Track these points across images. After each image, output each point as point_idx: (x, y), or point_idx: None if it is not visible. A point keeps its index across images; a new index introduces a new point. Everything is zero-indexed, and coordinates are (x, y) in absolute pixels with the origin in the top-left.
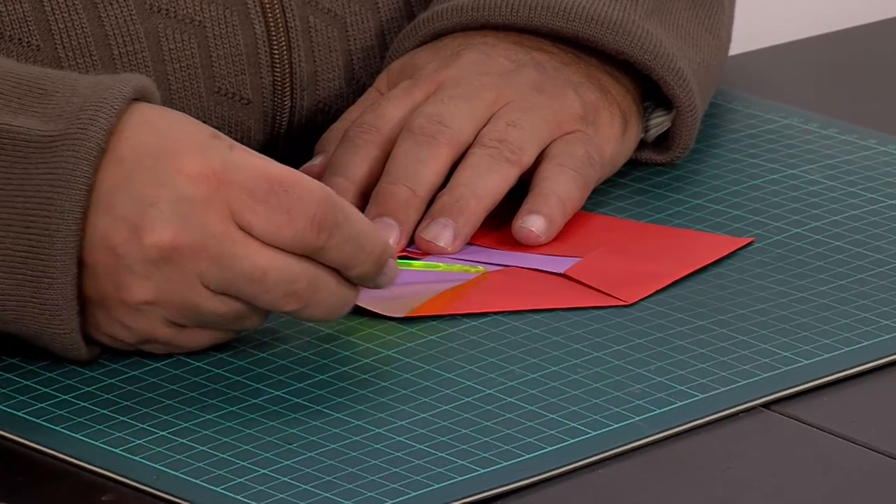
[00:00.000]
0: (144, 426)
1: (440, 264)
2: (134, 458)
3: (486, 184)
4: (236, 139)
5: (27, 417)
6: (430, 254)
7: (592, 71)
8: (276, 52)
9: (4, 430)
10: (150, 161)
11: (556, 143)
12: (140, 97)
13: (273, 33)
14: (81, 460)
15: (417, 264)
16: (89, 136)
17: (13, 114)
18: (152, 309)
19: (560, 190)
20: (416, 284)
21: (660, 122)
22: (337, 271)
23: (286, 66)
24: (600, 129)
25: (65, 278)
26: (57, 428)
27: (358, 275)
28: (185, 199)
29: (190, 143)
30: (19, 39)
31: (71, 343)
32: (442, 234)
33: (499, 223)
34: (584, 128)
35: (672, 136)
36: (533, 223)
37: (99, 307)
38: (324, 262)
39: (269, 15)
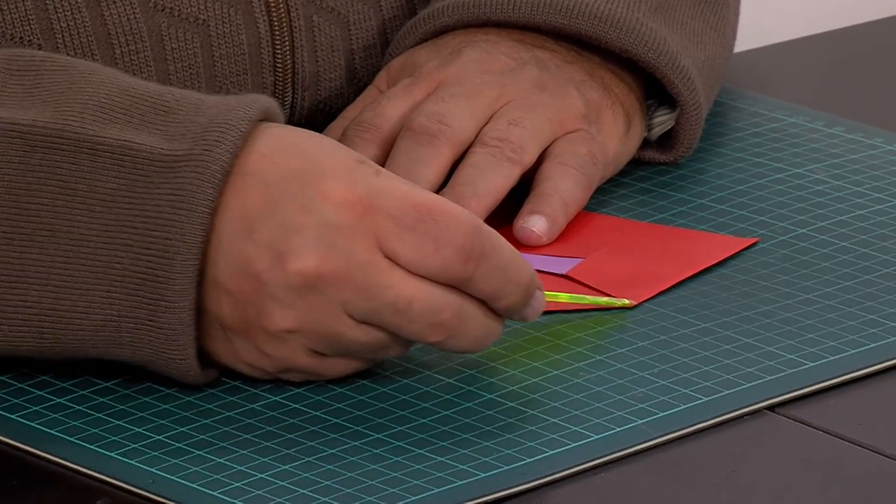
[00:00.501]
0: (140, 430)
1: (587, 297)
2: (129, 461)
3: (486, 183)
4: None
5: (22, 421)
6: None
7: (595, 69)
8: (278, 52)
9: None
10: (295, 186)
11: (559, 142)
12: (265, 118)
13: (277, 33)
14: (76, 464)
15: (564, 297)
16: (214, 157)
17: (135, 130)
18: (294, 337)
19: (562, 189)
20: None
21: (663, 120)
22: (483, 302)
23: (288, 66)
24: (603, 128)
25: (183, 302)
26: (52, 431)
27: (505, 306)
28: (330, 226)
29: (336, 168)
30: (20, 38)
31: (187, 369)
32: None
33: (500, 223)
34: (587, 126)
35: (676, 135)
36: (535, 223)
37: (239, 335)
38: (470, 292)
39: (274, 14)
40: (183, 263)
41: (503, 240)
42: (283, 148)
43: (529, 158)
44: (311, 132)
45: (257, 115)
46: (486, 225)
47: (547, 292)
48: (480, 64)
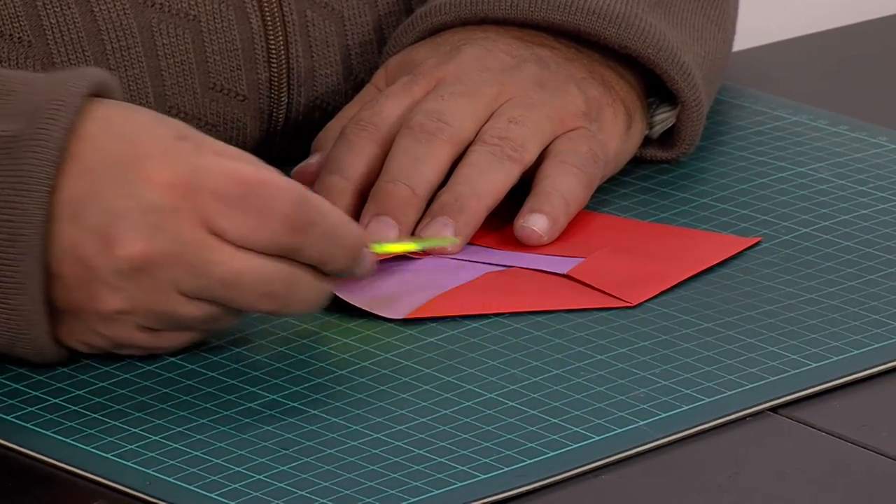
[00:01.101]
0: (137, 430)
1: (412, 243)
2: (126, 463)
3: (486, 182)
4: (232, 136)
5: (16, 421)
6: (429, 254)
7: (595, 66)
8: (272, 47)
9: None
10: (117, 171)
11: (560, 140)
12: (98, 92)
13: (270, 28)
14: (72, 465)
15: (392, 247)
16: (50, 136)
17: None
18: (126, 317)
19: (563, 188)
20: (415, 285)
21: (664, 118)
22: (313, 266)
23: (283, 61)
24: (604, 126)
25: (32, 282)
26: (47, 432)
27: (334, 269)
28: (154, 208)
29: (156, 149)
30: (10, 35)
31: (44, 346)
32: (442, 233)
33: (501, 222)
34: (588, 124)
35: (677, 133)
36: (535, 223)
37: (72, 316)
38: (299, 260)
39: (266, 9)
40: (27, 244)
41: (328, 205)
42: (105, 130)
43: (530, 157)
44: (137, 108)
45: (87, 88)
46: (310, 192)
47: (376, 245)
48: (480, 62)
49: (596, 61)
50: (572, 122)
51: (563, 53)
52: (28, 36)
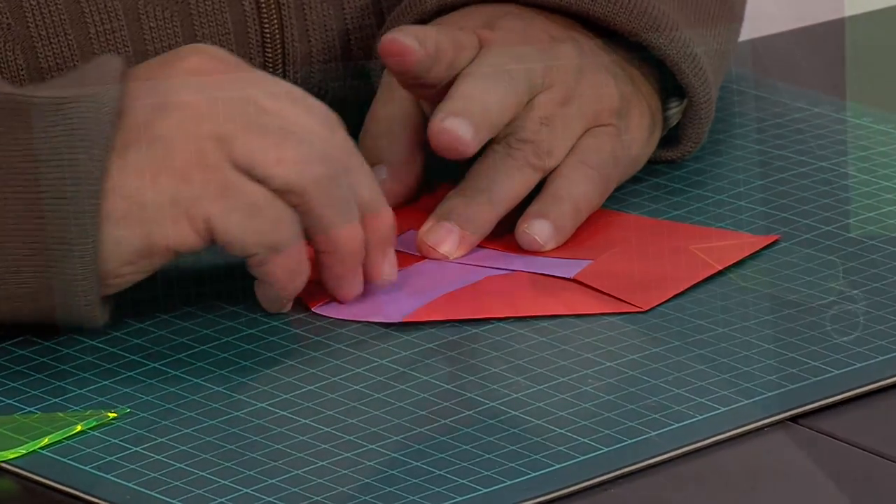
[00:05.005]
0: (116, 441)
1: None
2: (105, 475)
3: (502, 190)
4: None
5: None
6: (428, 257)
7: (624, 64)
8: (267, 31)
9: None
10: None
11: (585, 136)
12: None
13: (264, 10)
14: (49, 479)
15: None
16: (105, 96)
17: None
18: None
19: (577, 193)
20: (413, 287)
21: (673, 114)
22: None
23: (278, 46)
24: (630, 127)
25: (86, 243)
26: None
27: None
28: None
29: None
30: None
31: (90, 314)
32: (446, 239)
33: (508, 223)
34: (618, 122)
35: (682, 130)
36: (538, 231)
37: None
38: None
39: None
40: (86, 202)
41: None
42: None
43: (553, 163)
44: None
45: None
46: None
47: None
48: (521, 34)
49: (623, 59)
50: (605, 119)
51: (595, 42)
52: (7, 18)
